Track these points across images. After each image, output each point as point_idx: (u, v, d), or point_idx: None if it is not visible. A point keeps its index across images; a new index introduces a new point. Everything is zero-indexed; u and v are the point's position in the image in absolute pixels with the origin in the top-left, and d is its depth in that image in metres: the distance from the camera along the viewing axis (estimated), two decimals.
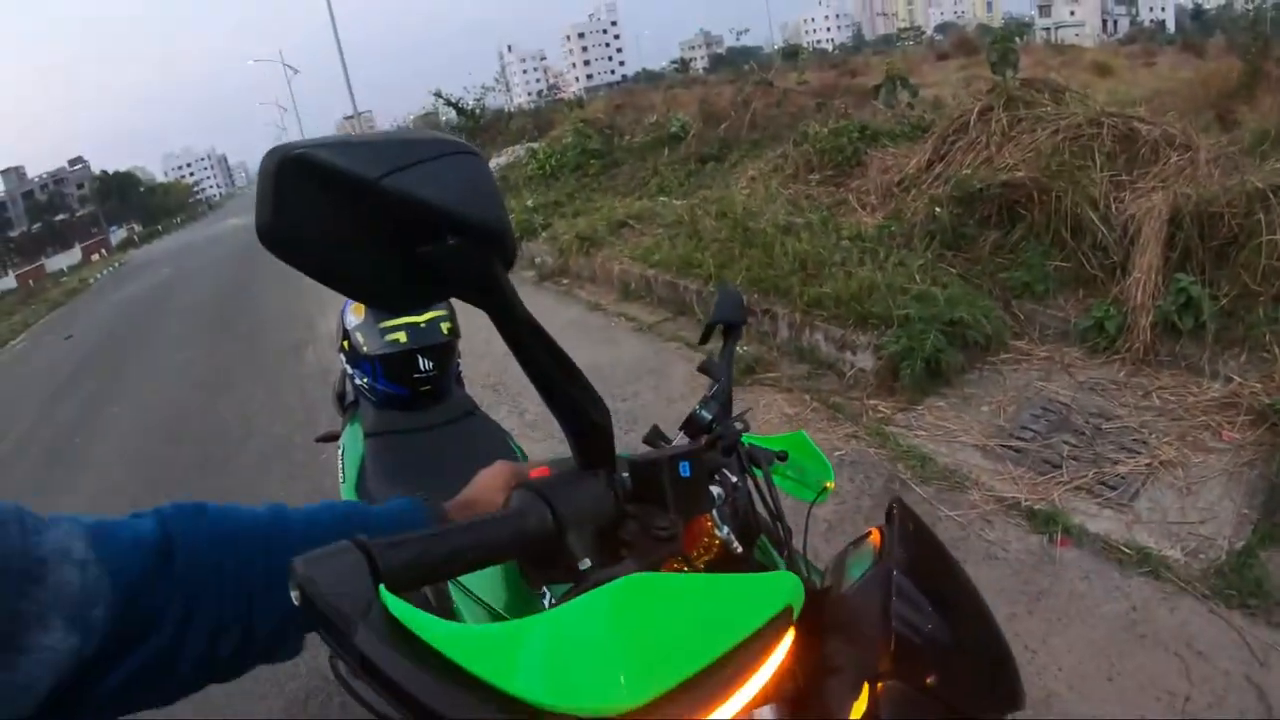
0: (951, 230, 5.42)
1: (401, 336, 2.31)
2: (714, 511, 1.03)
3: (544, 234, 10.46)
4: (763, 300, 5.78)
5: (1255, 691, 2.36)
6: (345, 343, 2.40)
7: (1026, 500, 3.40)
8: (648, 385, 5.66)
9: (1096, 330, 4.44)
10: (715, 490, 1.03)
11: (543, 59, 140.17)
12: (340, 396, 2.67)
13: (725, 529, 1.02)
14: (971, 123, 5.97)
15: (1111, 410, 3.95)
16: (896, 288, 4.89)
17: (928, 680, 0.96)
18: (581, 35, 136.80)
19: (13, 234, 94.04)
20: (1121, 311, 4.36)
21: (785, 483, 1.39)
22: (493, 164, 16.12)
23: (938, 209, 5.51)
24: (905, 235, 5.73)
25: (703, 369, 1.53)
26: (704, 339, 1.55)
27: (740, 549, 1.05)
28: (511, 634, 0.59)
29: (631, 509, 0.88)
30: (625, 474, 0.90)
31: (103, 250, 57.09)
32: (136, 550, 0.74)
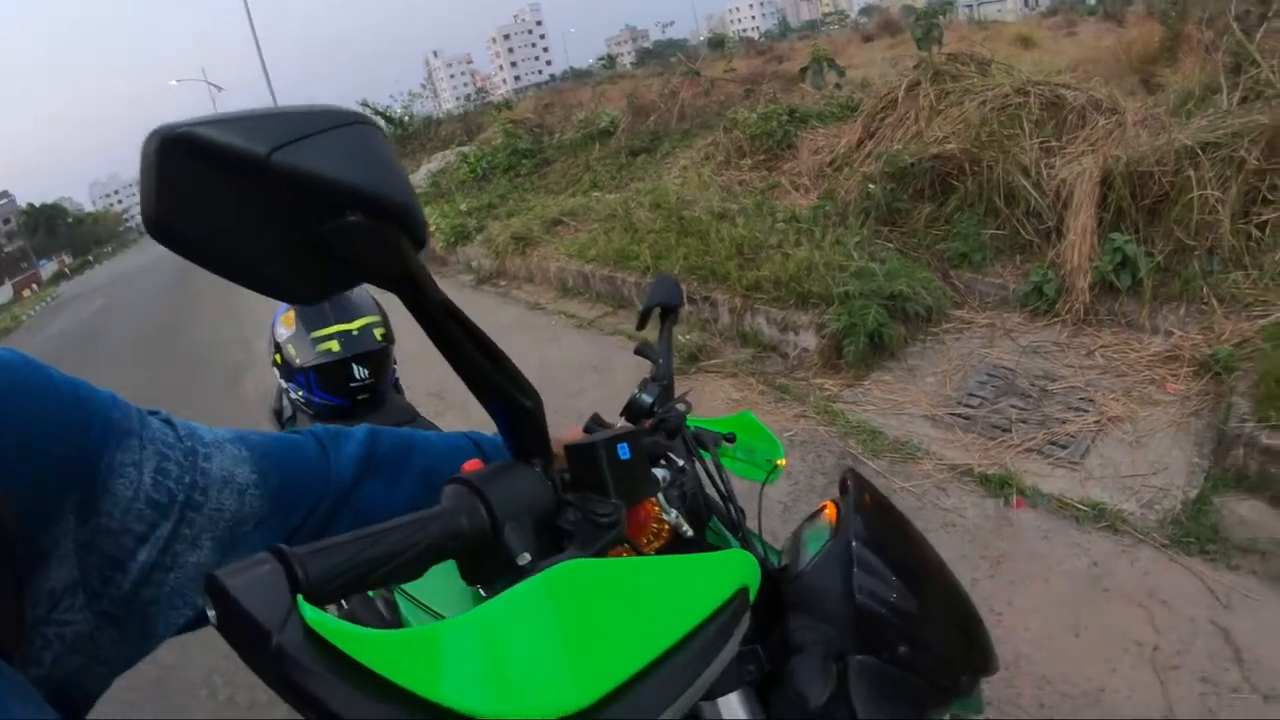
0: (886, 206, 5.42)
1: (334, 345, 2.23)
2: (660, 495, 0.98)
3: (479, 237, 10.31)
4: (702, 287, 5.72)
5: (1221, 634, 2.34)
6: (278, 357, 2.31)
7: (979, 466, 3.38)
8: (592, 381, 5.58)
9: (1036, 294, 4.45)
10: (660, 473, 1.00)
11: (470, 63, 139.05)
12: (277, 413, 2.56)
13: (674, 513, 0.98)
14: (900, 99, 5.98)
15: (1056, 372, 3.95)
16: (835, 266, 4.86)
17: (899, 651, 0.95)
18: (507, 37, 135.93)
19: None
20: (1059, 274, 4.38)
21: (735, 464, 1.36)
22: (424, 170, 15.93)
23: (871, 185, 5.51)
24: (840, 214, 5.71)
25: (640, 352, 1.49)
26: (641, 324, 1.49)
27: (691, 533, 1.00)
28: (434, 636, 0.52)
29: (571, 497, 0.83)
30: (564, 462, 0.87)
31: (34, 285, 55.44)
32: (301, 471, 0.82)
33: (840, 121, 7.37)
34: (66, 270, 69.33)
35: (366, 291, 2.37)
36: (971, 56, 6.00)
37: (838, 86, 8.92)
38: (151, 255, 45.00)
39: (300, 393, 2.30)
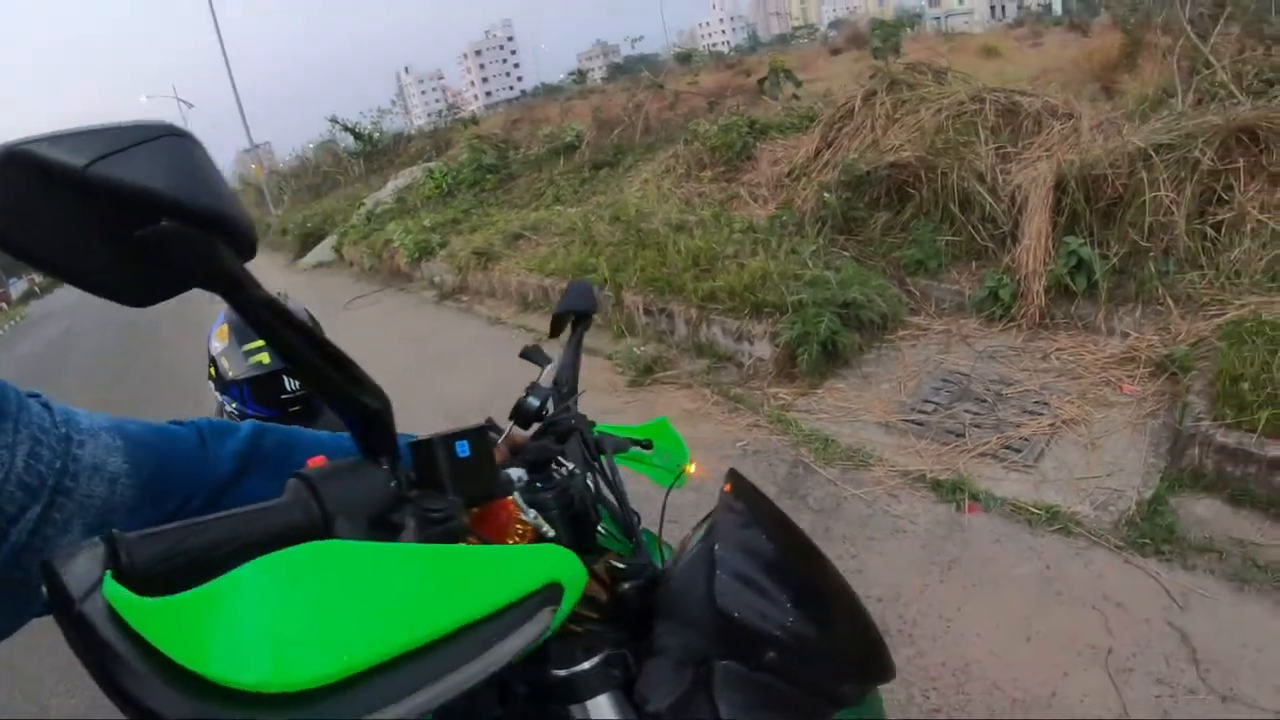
0: (841, 215, 5.36)
1: (264, 358, 2.29)
2: (516, 495, 0.98)
3: (441, 252, 10.19)
4: (659, 299, 5.63)
5: (1178, 635, 2.24)
6: (212, 370, 2.36)
7: (931, 471, 3.28)
8: None
9: (991, 299, 4.38)
10: (514, 473, 1.01)
11: (440, 79, 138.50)
12: None
13: (532, 513, 0.98)
14: (856, 109, 5.93)
15: (1011, 376, 3.88)
16: (789, 275, 4.78)
17: (766, 657, 0.92)
18: (479, 53, 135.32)
19: None
20: (1014, 279, 4.32)
21: (649, 469, 1.42)
22: (390, 186, 15.79)
23: (826, 195, 5.44)
24: (797, 223, 5.65)
25: (525, 356, 1.52)
26: (554, 331, 1.52)
27: (552, 533, 0.98)
28: (193, 604, 0.52)
29: (414, 494, 0.82)
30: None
31: (2, 304, 54.95)
32: (176, 463, 0.83)
33: (800, 132, 7.34)
34: (36, 289, 68.77)
35: (299, 304, 2.35)
36: (928, 66, 5.98)
37: (795, 97, 8.90)
38: None
39: (234, 405, 2.33)
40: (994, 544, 2.79)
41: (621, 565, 1.08)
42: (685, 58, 16.44)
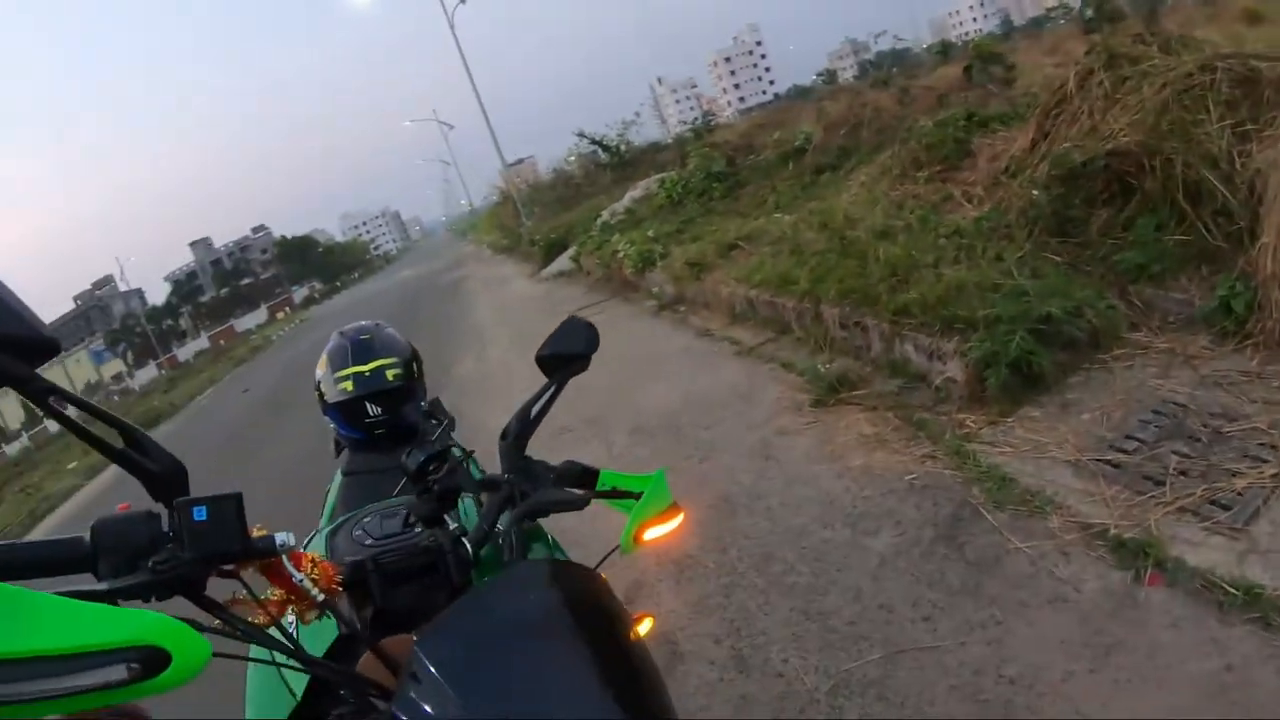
0: (1053, 214, 4.73)
1: (349, 385, 2.44)
2: (284, 559, 1.07)
3: (661, 263, 10.20)
4: (854, 312, 5.26)
5: None
6: (318, 393, 2.54)
7: (1116, 527, 2.78)
8: (733, 412, 5.33)
9: (1223, 312, 3.66)
10: (281, 538, 1.06)
11: (694, 87, 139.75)
12: (337, 443, 2.80)
13: (300, 577, 1.09)
14: (1071, 91, 5.23)
15: (1237, 409, 3.21)
16: (987, 285, 4.28)
17: None
18: (728, 60, 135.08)
19: (203, 299, 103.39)
20: (1250, 286, 3.59)
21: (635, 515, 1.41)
22: (627, 197, 16.08)
23: (1035, 193, 4.83)
24: (1006, 226, 5.07)
25: (433, 405, 1.79)
26: (547, 373, 1.61)
27: (321, 597, 1.11)
28: None
29: (166, 547, 0.98)
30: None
31: (286, 308, 62.11)
32: None
33: (1024, 122, 6.63)
34: (316, 295, 76.75)
35: (395, 335, 2.61)
36: (1156, 34, 5.15)
37: (1007, 82, 8.07)
38: (392, 280, 48.79)
39: (333, 425, 2.53)
40: (1169, 628, 2.29)
41: None
42: (942, 50, 15.40)
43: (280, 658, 1.07)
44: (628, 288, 11.35)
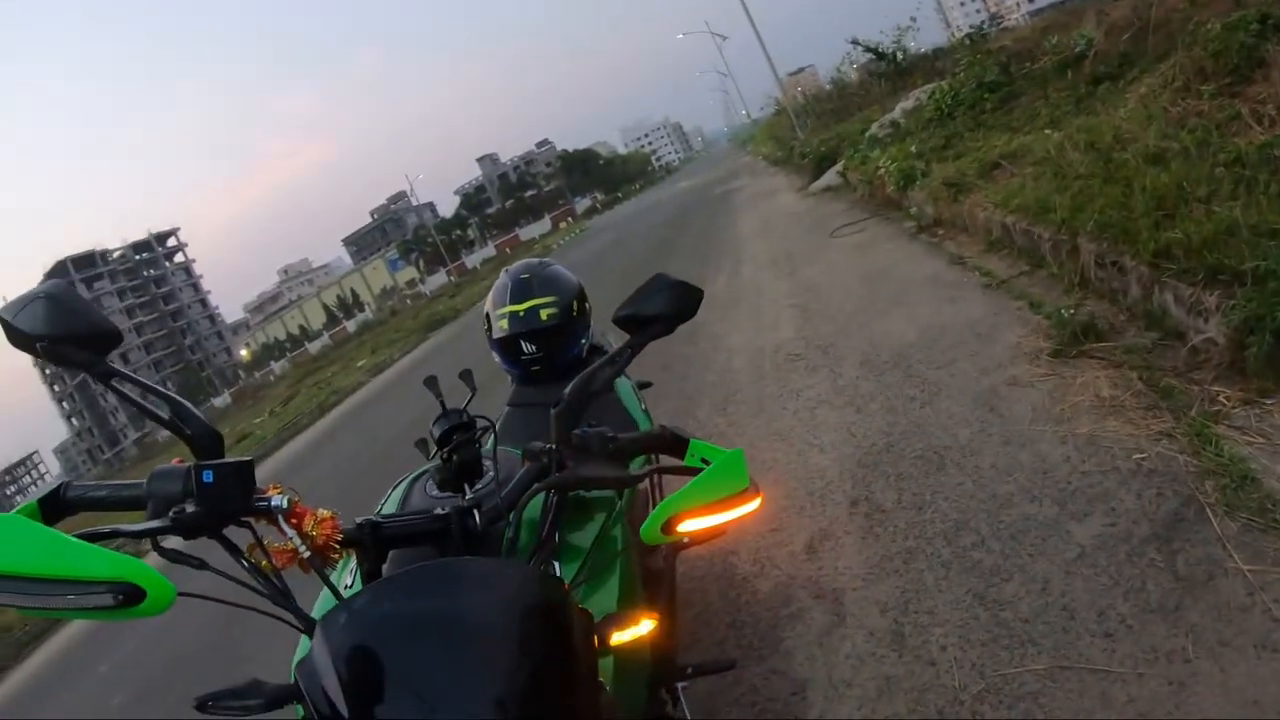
0: None
1: (505, 324, 2.55)
2: (280, 520, 1.22)
3: (921, 182, 9.56)
4: (1112, 249, 4.63)
5: None
6: (485, 328, 2.69)
7: None
8: (968, 353, 4.94)
9: None
10: (276, 500, 1.21)
11: None
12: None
13: (291, 533, 1.22)
14: None
15: None
16: (1264, 229, 3.59)
17: None
18: None
19: (490, 211, 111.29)
20: None
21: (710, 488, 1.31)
22: (898, 109, 15.20)
23: None
24: None
25: (428, 385, 1.59)
26: (630, 332, 1.51)
27: (307, 554, 1.24)
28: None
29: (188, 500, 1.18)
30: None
31: (569, 218, 65.59)
32: None
33: None
34: (598, 205, 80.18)
35: (559, 274, 2.68)
36: None
37: None
38: (672, 190, 49.73)
39: (497, 358, 2.68)
40: None
41: None
42: None
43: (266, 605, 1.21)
44: (889, 206, 10.79)
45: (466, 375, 1.60)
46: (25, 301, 1.20)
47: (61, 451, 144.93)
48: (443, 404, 1.55)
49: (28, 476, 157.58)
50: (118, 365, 1.27)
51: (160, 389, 1.29)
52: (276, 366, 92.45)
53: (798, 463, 4.46)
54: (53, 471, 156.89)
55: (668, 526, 1.30)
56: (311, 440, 19.22)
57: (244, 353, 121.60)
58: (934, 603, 2.87)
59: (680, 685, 2.19)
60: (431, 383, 1.57)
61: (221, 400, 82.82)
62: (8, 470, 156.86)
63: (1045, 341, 4.55)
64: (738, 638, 3.18)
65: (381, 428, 13.97)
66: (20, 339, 1.19)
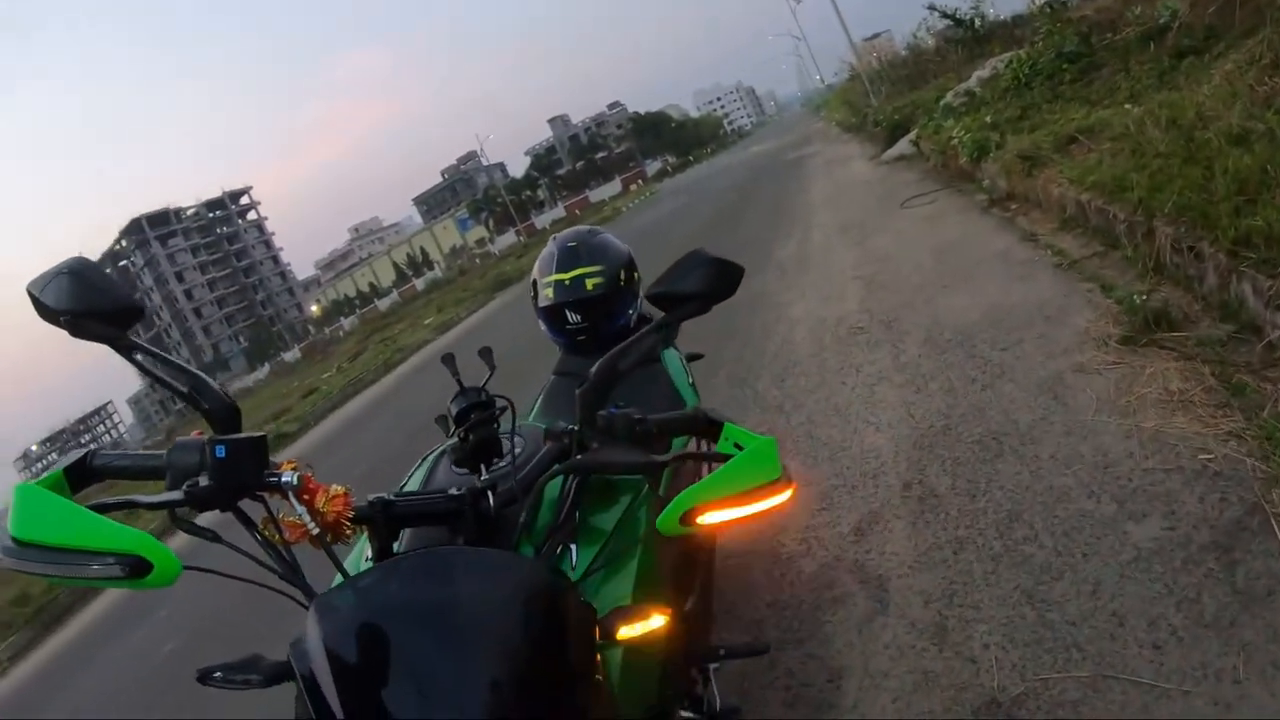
0: None
1: (550, 292, 2.54)
2: (291, 496, 1.23)
3: (994, 154, 9.28)
4: (1189, 234, 4.44)
5: None
6: (533, 296, 2.68)
7: None
8: (1034, 335, 4.79)
9: None
10: (286, 477, 1.23)
11: None
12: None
13: (300, 510, 1.23)
14: None
15: None
16: None
17: None
18: None
19: (560, 172, 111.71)
20: None
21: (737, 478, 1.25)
22: (974, 77, 14.78)
23: None
24: None
25: (445, 362, 1.57)
26: (665, 309, 1.46)
27: (316, 530, 1.24)
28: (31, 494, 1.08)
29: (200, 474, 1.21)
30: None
31: (639, 181, 65.45)
32: None
33: None
34: (669, 169, 79.86)
35: (608, 243, 2.63)
36: None
37: None
38: (743, 155, 49.17)
39: (544, 327, 2.67)
40: None
41: None
42: None
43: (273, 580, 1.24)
44: (962, 177, 10.51)
45: (485, 353, 1.57)
46: (51, 276, 1.23)
47: (135, 402, 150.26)
48: (459, 382, 1.53)
49: (101, 426, 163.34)
50: (138, 339, 1.30)
51: (180, 363, 1.32)
52: (346, 322, 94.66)
53: (853, 440, 4.39)
54: (126, 422, 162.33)
55: (687, 518, 1.23)
56: (377, 395, 19.56)
57: (314, 309, 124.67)
58: (980, 597, 2.80)
59: (711, 666, 2.16)
60: (449, 360, 1.54)
61: (291, 355, 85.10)
62: (82, 420, 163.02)
63: (1115, 327, 4.38)
64: (777, 618, 3.15)
65: (441, 389, 14.24)
66: (47, 312, 1.22)
